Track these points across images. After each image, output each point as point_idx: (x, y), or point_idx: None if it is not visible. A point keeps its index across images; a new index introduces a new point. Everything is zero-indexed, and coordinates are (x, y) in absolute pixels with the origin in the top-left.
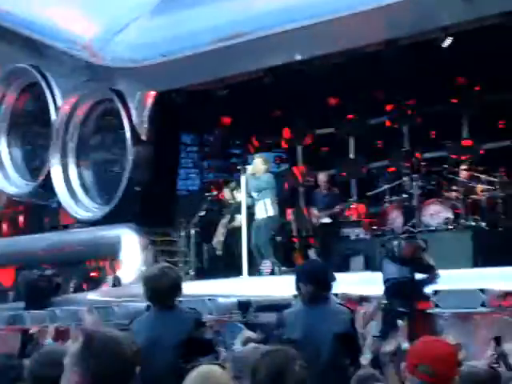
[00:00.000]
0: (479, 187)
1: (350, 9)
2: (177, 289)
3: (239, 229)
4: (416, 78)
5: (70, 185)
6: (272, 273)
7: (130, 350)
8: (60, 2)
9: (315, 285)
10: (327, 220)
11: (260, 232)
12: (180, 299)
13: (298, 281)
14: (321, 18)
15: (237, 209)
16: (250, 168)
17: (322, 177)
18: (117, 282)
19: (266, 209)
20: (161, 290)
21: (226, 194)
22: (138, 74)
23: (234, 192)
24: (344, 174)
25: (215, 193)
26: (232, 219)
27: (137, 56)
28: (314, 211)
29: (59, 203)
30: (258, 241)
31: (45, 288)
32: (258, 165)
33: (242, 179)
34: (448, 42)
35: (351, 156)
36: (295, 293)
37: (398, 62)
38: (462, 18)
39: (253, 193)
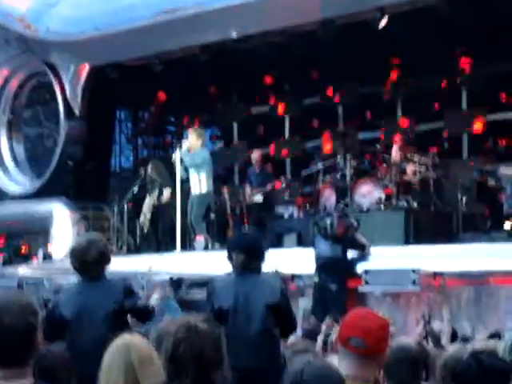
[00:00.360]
0: (411, 168)
1: None
2: (104, 258)
3: (169, 204)
4: (352, 58)
5: (1, 158)
6: (205, 248)
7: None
8: None
9: (247, 254)
10: (260, 198)
11: (193, 208)
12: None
13: (229, 250)
14: None
15: (164, 184)
16: (185, 143)
17: (255, 155)
18: (47, 257)
19: (200, 185)
20: (87, 260)
21: (150, 169)
22: (72, 47)
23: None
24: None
25: (148, 169)
26: (160, 194)
27: (71, 29)
28: (247, 189)
29: None
30: (191, 216)
31: None
32: (193, 139)
33: (177, 154)
34: (384, 22)
35: (286, 134)
36: (228, 271)
37: (334, 42)
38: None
39: (189, 169)
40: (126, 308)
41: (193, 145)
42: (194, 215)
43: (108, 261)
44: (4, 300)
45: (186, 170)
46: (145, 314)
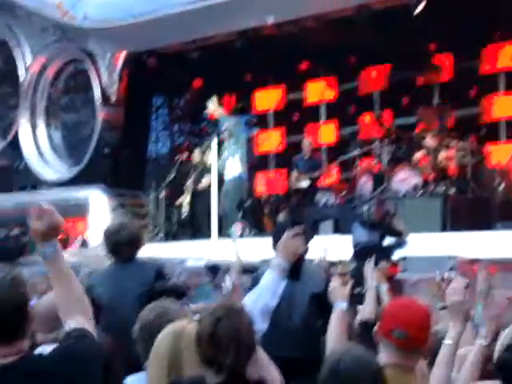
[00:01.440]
0: (448, 154)
1: None
2: (136, 241)
3: (206, 191)
4: (388, 43)
5: (38, 145)
6: (241, 236)
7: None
8: None
9: None
10: (306, 184)
11: (228, 194)
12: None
13: (276, 241)
14: None
15: (205, 171)
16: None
17: (307, 141)
18: (85, 243)
19: (233, 167)
20: (120, 243)
21: (196, 156)
22: (109, 34)
23: (205, 155)
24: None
25: (185, 156)
26: (198, 181)
27: (108, 16)
28: (294, 174)
29: (27, 163)
30: (227, 203)
31: (12, 248)
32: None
33: (214, 142)
34: (421, 7)
35: (322, 120)
36: (264, 258)
37: (370, 27)
38: None
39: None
40: (157, 290)
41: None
42: (229, 202)
43: (140, 244)
44: None
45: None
46: (177, 296)
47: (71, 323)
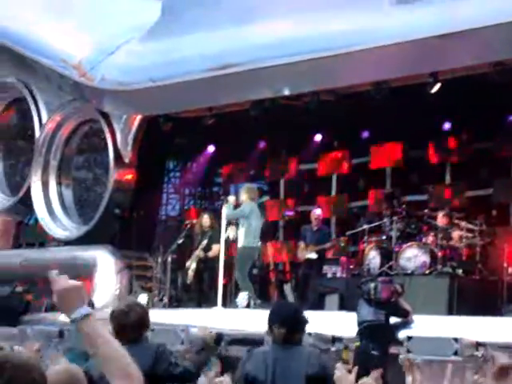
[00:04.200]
0: (458, 234)
1: (341, 48)
2: (143, 325)
3: (214, 259)
4: (403, 120)
5: (49, 202)
6: (248, 306)
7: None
8: (53, 20)
9: (288, 328)
10: (313, 256)
11: (239, 263)
12: (153, 328)
13: (270, 323)
14: (311, 55)
15: (214, 237)
16: (231, 198)
17: (316, 212)
18: (91, 304)
19: (243, 237)
20: (126, 326)
21: (205, 221)
22: (125, 97)
23: (214, 220)
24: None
25: (195, 220)
26: (208, 248)
27: (126, 79)
28: (302, 245)
29: (37, 220)
30: (236, 271)
31: (15, 305)
32: (242, 195)
33: (224, 209)
34: (437, 87)
35: (333, 193)
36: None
37: (385, 104)
38: (451, 65)
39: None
40: (159, 373)
41: (242, 199)
42: (238, 271)
43: (147, 327)
44: (10, 356)
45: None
46: (184, 378)
47: None
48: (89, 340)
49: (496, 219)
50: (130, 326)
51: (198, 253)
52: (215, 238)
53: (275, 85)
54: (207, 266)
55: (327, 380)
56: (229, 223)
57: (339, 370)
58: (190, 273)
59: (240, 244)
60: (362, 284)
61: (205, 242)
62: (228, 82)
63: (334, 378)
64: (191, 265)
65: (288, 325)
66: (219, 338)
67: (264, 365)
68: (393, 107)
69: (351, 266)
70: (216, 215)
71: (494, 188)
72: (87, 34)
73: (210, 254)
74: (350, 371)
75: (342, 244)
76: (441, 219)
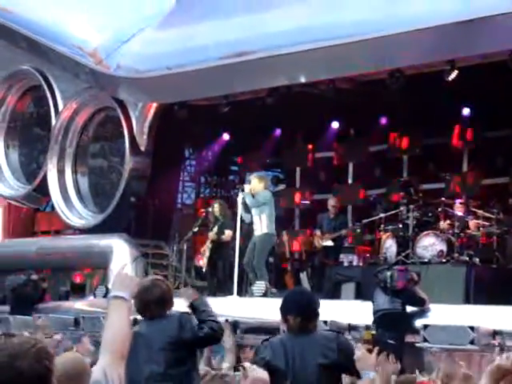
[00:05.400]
0: (475, 222)
1: (357, 35)
2: (166, 301)
3: (227, 243)
4: (420, 108)
5: (65, 190)
6: (264, 294)
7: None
8: (69, 7)
9: (303, 316)
10: (330, 243)
11: (255, 250)
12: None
13: (285, 312)
14: (327, 42)
15: (226, 224)
16: (247, 187)
17: (332, 201)
18: (107, 293)
19: (262, 226)
20: (149, 302)
21: (216, 209)
22: (141, 84)
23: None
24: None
25: (210, 209)
26: (221, 233)
27: (141, 67)
28: (318, 233)
29: (53, 208)
30: (253, 259)
31: (31, 293)
32: (255, 184)
33: (239, 197)
34: (454, 74)
35: (349, 181)
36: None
37: (402, 92)
38: (468, 53)
39: (252, 210)
40: (185, 340)
41: (255, 188)
42: (256, 258)
43: (170, 303)
44: (18, 344)
45: (247, 211)
46: (210, 340)
47: (99, 363)
48: (107, 314)
49: None
50: (153, 301)
51: (210, 238)
52: (227, 226)
53: (291, 72)
54: (220, 252)
55: (348, 360)
56: (248, 211)
57: (359, 350)
58: (204, 260)
59: (261, 231)
60: (378, 272)
61: (215, 229)
62: (243, 70)
63: (355, 357)
64: (205, 252)
65: (303, 313)
66: (234, 325)
67: (283, 354)
68: (409, 95)
69: (367, 255)
70: (229, 203)
71: (511, 176)
72: (103, 21)
73: (223, 238)
74: (370, 351)
75: (358, 230)
76: (458, 208)
